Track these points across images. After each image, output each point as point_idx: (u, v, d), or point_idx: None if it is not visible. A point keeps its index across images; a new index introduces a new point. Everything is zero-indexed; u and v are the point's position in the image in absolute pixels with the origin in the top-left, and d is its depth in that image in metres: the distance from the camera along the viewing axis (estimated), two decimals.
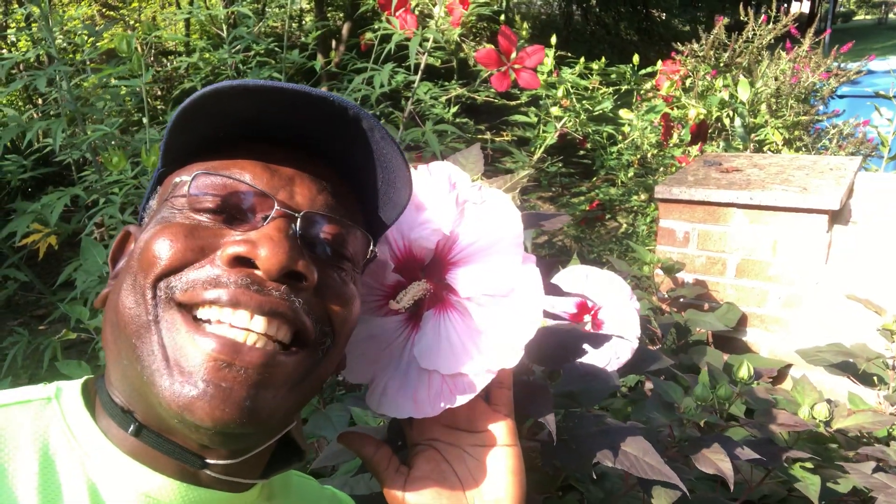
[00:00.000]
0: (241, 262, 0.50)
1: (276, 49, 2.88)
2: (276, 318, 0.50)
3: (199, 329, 0.49)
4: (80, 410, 0.53)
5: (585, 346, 0.86)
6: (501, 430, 0.61)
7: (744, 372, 1.19)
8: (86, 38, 2.42)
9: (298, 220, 0.52)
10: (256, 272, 0.49)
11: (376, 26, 2.68)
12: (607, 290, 1.17)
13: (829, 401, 1.41)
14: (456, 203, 0.66)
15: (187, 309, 0.50)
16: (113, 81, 2.07)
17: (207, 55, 2.63)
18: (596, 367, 1.03)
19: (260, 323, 0.49)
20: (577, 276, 1.17)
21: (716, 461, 0.93)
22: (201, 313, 0.49)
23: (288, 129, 0.54)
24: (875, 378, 1.62)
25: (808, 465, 1.20)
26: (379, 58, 2.65)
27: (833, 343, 1.67)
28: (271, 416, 0.50)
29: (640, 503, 0.99)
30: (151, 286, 0.50)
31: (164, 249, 0.50)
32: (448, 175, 0.67)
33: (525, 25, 2.33)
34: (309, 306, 0.52)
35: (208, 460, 0.53)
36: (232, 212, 0.52)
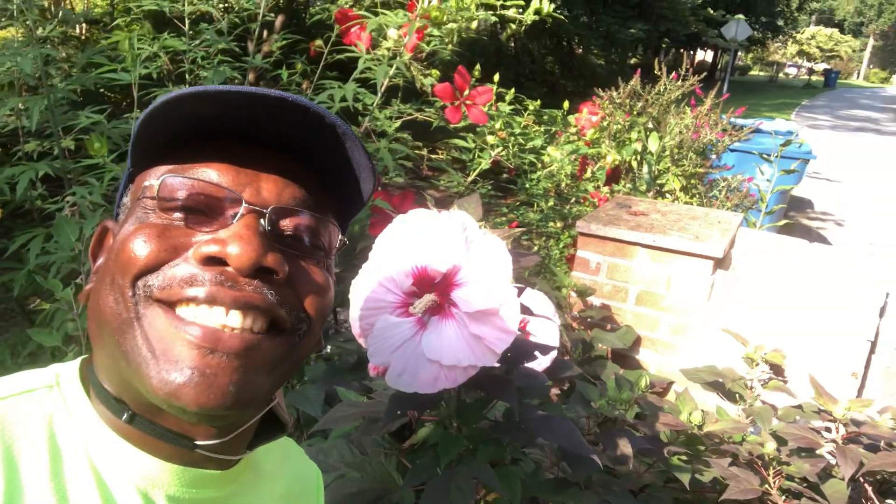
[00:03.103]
0: (214, 261, 0.51)
1: (238, 50, 3.01)
2: (251, 311, 0.51)
3: (181, 320, 0.50)
4: (81, 398, 0.54)
5: (535, 353, 1.14)
6: None
7: (643, 383, 1.52)
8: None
9: (266, 215, 0.53)
10: (228, 269, 0.50)
11: (327, 36, 2.87)
12: (535, 306, 1.46)
13: (702, 411, 1.77)
14: (465, 242, 0.91)
15: (167, 305, 0.51)
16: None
17: (168, 43, 2.71)
18: (533, 370, 1.31)
19: (236, 318, 0.50)
20: None
21: (621, 446, 1.24)
22: (180, 311, 0.50)
23: (251, 127, 0.54)
24: (737, 395, 1.99)
25: (684, 457, 1.54)
26: (331, 67, 2.84)
27: (708, 365, 2.04)
28: (254, 399, 0.52)
29: (560, 473, 1.29)
30: (130, 285, 0.51)
31: (139, 250, 0.51)
32: (462, 220, 0.93)
33: (477, 66, 2.61)
34: (283, 297, 0.53)
35: (198, 441, 0.54)
36: (201, 210, 0.53)
